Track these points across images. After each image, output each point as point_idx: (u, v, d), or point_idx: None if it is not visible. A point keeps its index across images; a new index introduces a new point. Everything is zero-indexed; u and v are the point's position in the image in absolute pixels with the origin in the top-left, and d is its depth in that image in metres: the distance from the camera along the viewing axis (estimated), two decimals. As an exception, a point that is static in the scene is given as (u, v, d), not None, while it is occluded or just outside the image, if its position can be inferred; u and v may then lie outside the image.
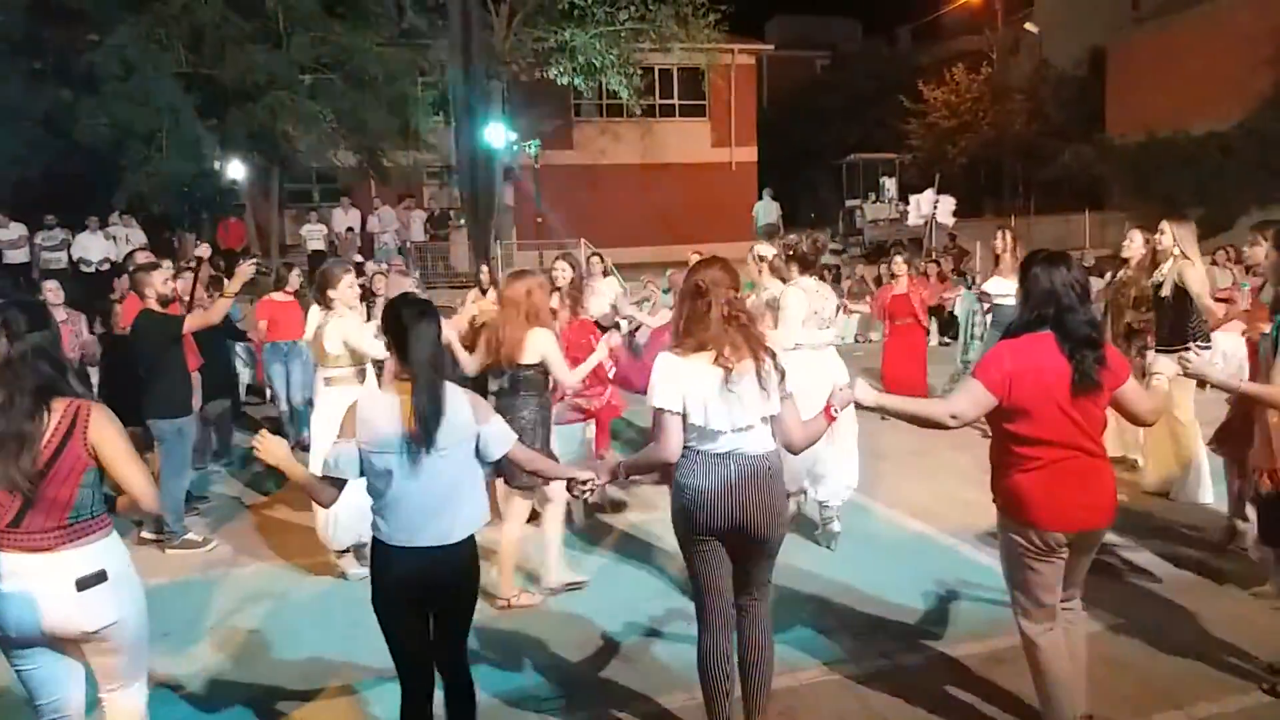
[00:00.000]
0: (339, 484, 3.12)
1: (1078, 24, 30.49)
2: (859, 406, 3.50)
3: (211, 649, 4.69)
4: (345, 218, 19.25)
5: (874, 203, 25.31)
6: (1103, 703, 3.86)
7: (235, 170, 17.99)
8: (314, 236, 18.71)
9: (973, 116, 31.41)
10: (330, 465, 3.09)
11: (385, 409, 3.05)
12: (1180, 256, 5.84)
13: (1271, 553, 4.25)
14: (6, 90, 15.74)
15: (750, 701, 3.48)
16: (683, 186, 26.39)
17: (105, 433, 2.84)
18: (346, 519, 5.30)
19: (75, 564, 2.81)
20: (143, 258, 7.30)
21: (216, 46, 16.32)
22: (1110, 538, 5.47)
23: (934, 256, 16.28)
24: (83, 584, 2.80)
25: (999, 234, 8.53)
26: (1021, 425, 3.27)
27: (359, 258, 17.31)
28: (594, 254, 10.49)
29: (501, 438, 3.21)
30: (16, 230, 15.86)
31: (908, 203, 20.35)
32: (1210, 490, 6.14)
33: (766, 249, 6.44)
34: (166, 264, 7.94)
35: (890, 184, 25.62)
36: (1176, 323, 5.86)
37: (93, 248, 15.72)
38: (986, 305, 8.66)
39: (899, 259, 9.60)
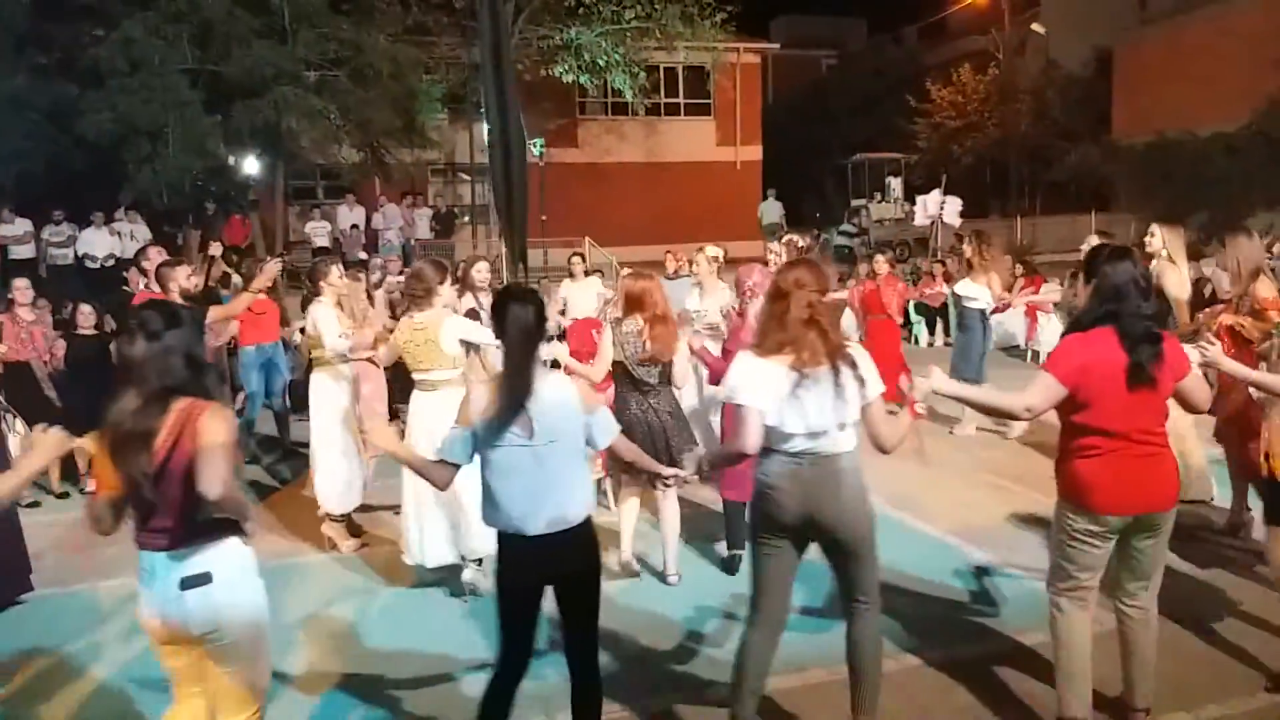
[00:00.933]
0: (453, 468, 3.22)
1: (1085, 24, 30.40)
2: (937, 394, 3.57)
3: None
4: (350, 214, 19.25)
5: (880, 202, 25.28)
6: (1108, 706, 3.85)
7: (250, 166, 17.99)
8: (319, 233, 18.70)
9: (979, 117, 31.36)
10: (444, 449, 3.21)
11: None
12: (1165, 259, 6.00)
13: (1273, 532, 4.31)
14: (11, 84, 15.72)
15: (858, 704, 3.51)
16: (687, 185, 26.36)
17: (204, 429, 2.80)
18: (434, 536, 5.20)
19: (186, 564, 2.84)
20: (155, 254, 7.31)
21: (223, 42, 16.32)
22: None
23: (940, 257, 16.26)
24: (186, 583, 2.82)
25: (968, 238, 8.60)
26: (1086, 414, 3.42)
27: (363, 254, 17.33)
28: (575, 254, 10.49)
29: (608, 428, 3.32)
30: (22, 226, 15.83)
31: (913, 203, 20.32)
32: (1215, 488, 6.13)
33: (714, 249, 6.81)
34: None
35: (896, 184, 25.57)
36: (1162, 324, 5.96)
37: (98, 244, 15.69)
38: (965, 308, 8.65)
39: (880, 258, 9.62)
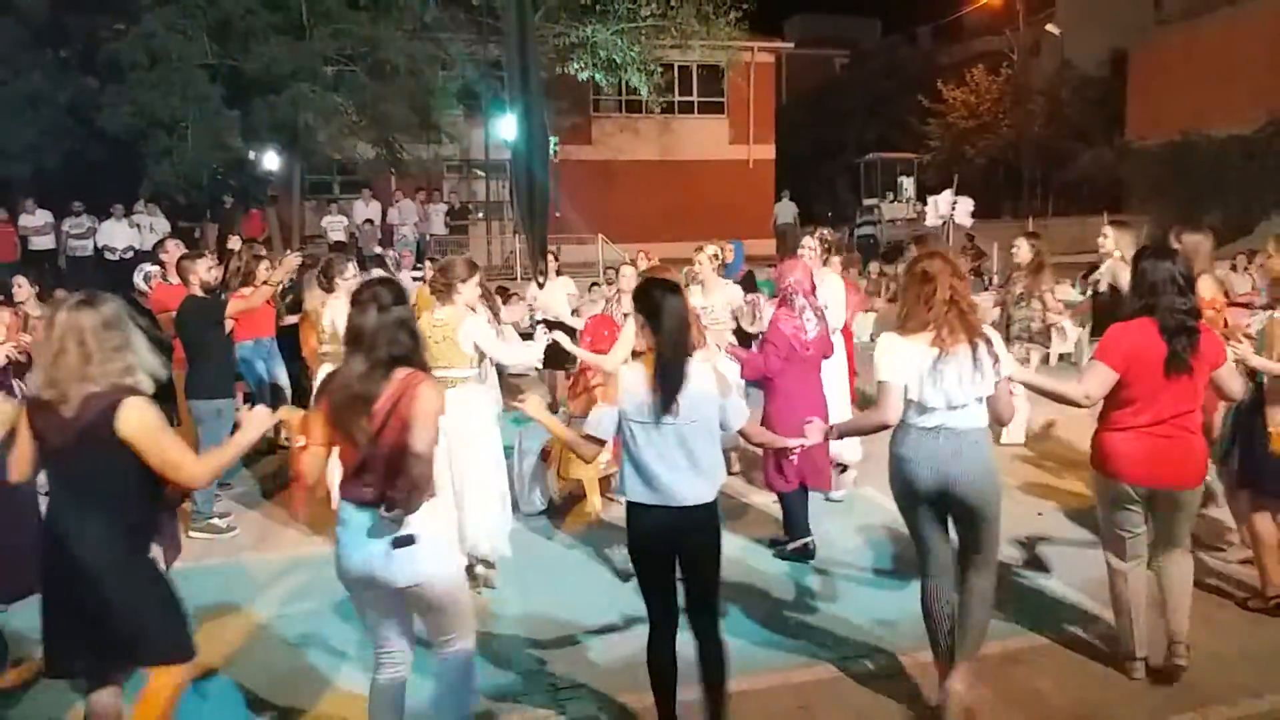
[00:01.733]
0: (599, 443, 3.49)
1: (1099, 25, 30.30)
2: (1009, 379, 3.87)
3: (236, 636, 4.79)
4: (366, 210, 19.35)
5: (892, 202, 25.26)
6: (1118, 703, 3.92)
7: (268, 161, 18.08)
8: (335, 228, 18.79)
9: (992, 117, 31.28)
10: (592, 425, 3.46)
11: (640, 379, 3.38)
12: (1118, 259, 6.54)
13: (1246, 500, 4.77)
14: (30, 77, 15.86)
15: (962, 647, 3.79)
16: (700, 184, 26.37)
17: (421, 396, 3.06)
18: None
19: (394, 524, 3.06)
20: (173, 246, 7.39)
21: (241, 38, 16.43)
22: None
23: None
24: (396, 543, 3.07)
25: (910, 245, 8.98)
26: (1125, 394, 3.83)
27: (378, 249, 17.43)
28: (549, 252, 10.41)
29: (740, 411, 3.55)
30: (43, 217, 15.99)
31: (925, 203, 20.30)
32: None
33: (713, 248, 7.05)
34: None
35: (908, 184, 25.54)
36: (1113, 317, 6.43)
37: (118, 236, 15.86)
38: None
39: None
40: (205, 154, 15.86)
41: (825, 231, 6.95)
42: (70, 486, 3.08)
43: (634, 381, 3.39)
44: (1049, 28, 31.64)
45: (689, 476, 3.38)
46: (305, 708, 4.07)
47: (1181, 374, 3.74)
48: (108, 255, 15.67)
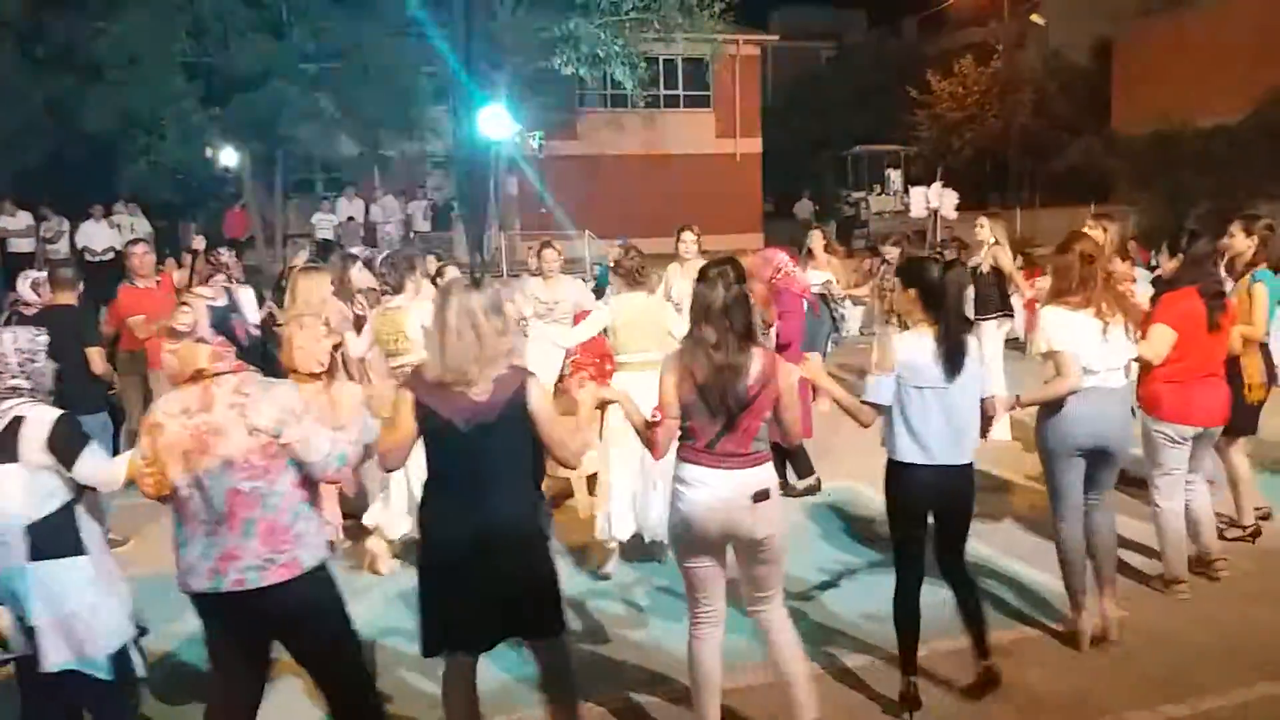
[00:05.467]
0: (879, 410, 3.74)
1: (1085, 15, 30.34)
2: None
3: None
4: (349, 206, 19.23)
5: (879, 195, 25.29)
6: (1107, 693, 3.88)
7: (228, 157, 17.90)
8: (324, 225, 18.67)
9: (979, 108, 31.27)
10: (872, 392, 3.73)
11: (921, 346, 3.66)
12: (994, 244, 7.56)
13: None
14: (8, 77, 15.70)
15: (1108, 574, 4.34)
16: (687, 178, 26.27)
17: (786, 382, 3.37)
18: (400, 510, 5.24)
19: (752, 481, 3.33)
20: (142, 249, 7.26)
21: (219, 36, 16.29)
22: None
23: (938, 249, 16.25)
24: (757, 498, 3.33)
25: (814, 233, 9.63)
26: (1175, 351, 4.52)
27: (360, 246, 17.29)
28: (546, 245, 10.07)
29: (988, 379, 3.92)
30: (23, 219, 15.79)
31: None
32: None
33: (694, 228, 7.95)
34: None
35: (896, 176, 25.59)
36: (993, 295, 7.61)
37: (97, 237, 15.67)
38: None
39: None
40: (184, 152, 15.73)
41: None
42: (488, 466, 3.16)
43: (918, 349, 3.66)
44: (1034, 18, 31.66)
45: (958, 438, 3.69)
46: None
47: (1216, 330, 4.55)
48: (88, 256, 15.46)
